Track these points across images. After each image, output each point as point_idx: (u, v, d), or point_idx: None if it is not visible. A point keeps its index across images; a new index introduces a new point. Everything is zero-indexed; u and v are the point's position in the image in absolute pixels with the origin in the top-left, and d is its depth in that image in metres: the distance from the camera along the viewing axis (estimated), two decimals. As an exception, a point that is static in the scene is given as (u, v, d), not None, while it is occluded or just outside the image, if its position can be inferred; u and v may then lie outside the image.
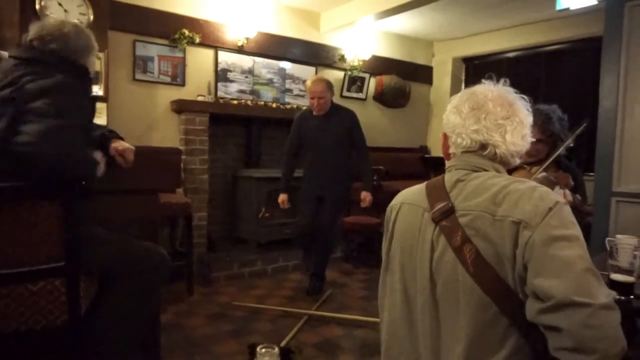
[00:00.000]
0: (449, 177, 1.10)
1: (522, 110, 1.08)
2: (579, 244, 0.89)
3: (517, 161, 1.12)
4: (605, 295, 0.84)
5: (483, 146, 1.07)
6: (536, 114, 2.08)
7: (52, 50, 1.63)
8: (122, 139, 1.94)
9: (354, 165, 3.56)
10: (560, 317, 0.82)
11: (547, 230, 0.88)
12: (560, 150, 2.04)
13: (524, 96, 1.11)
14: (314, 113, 3.40)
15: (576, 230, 0.91)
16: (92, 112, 1.76)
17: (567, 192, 1.87)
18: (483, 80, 1.13)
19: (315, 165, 3.47)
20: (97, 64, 1.87)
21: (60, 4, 3.16)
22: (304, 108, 4.15)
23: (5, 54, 2.99)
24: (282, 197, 3.58)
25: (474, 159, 1.08)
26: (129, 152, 1.84)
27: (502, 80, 1.12)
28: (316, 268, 3.54)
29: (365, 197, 3.48)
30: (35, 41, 1.64)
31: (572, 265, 0.85)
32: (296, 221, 3.74)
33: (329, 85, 3.36)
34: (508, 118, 1.05)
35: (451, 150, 1.14)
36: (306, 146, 3.51)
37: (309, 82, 3.42)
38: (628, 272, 1.37)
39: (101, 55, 3.29)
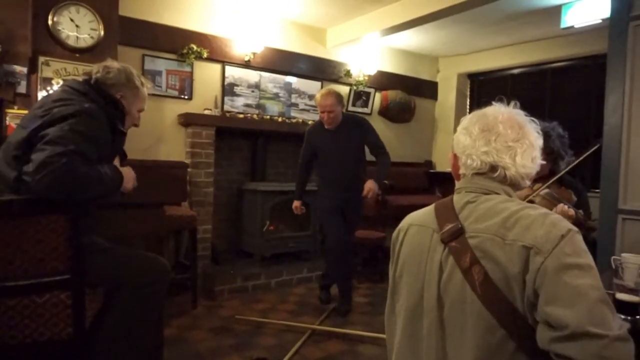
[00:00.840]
0: (458, 199, 1.09)
1: (532, 133, 1.08)
2: (592, 274, 0.88)
3: (527, 183, 1.11)
4: (619, 327, 0.83)
5: (493, 168, 1.06)
6: None
7: (96, 80, 1.79)
8: (125, 155, 1.99)
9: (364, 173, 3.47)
10: (574, 347, 0.81)
11: (560, 258, 0.87)
12: (566, 169, 2.04)
13: (534, 119, 1.11)
14: (325, 127, 3.34)
15: (589, 259, 0.90)
16: (116, 143, 1.81)
17: (568, 207, 1.87)
18: (493, 102, 1.14)
19: (332, 180, 3.39)
20: (144, 101, 1.98)
21: (72, 20, 3.23)
22: (310, 122, 4.19)
23: (18, 68, 3.07)
24: (297, 203, 3.54)
25: (484, 181, 1.08)
26: None
27: (512, 103, 1.13)
28: (345, 288, 3.43)
29: (369, 184, 3.25)
30: (88, 75, 1.83)
31: (586, 295, 0.84)
32: (321, 239, 3.56)
33: (338, 98, 3.28)
34: (518, 140, 1.05)
35: (461, 171, 1.13)
36: (321, 161, 3.45)
37: (318, 96, 3.34)
38: (634, 291, 1.36)
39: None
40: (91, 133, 1.60)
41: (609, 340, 0.80)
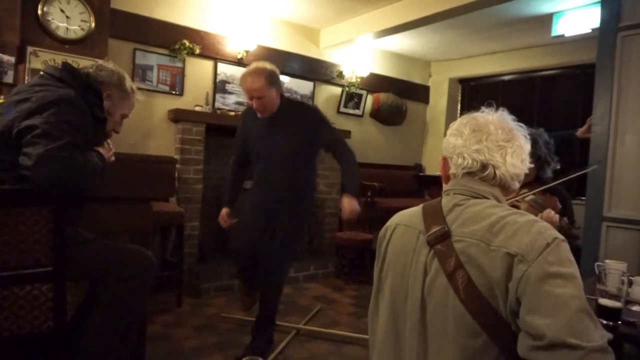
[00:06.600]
0: (446, 201, 1.09)
1: (521, 137, 1.10)
2: (575, 283, 0.87)
3: (517, 185, 1.11)
4: (599, 337, 0.82)
5: (484, 167, 1.06)
6: None
7: (86, 74, 1.78)
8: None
9: (314, 178, 2.73)
10: (551, 357, 0.81)
11: (543, 266, 0.86)
12: (557, 182, 2.06)
13: (521, 124, 1.13)
14: (258, 115, 2.48)
15: (573, 269, 0.89)
16: (95, 132, 1.78)
17: (554, 214, 1.88)
18: (482, 108, 1.15)
19: (261, 183, 2.57)
20: (130, 108, 1.96)
21: (62, 11, 3.19)
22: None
23: (6, 57, 3.02)
24: (223, 212, 2.69)
25: (474, 184, 1.08)
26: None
27: (500, 109, 1.15)
28: (263, 313, 2.56)
29: (347, 204, 2.42)
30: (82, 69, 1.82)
31: (566, 305, 0.83)
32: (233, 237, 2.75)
33: (270, 78, 2.40)
34: (509, 141, 1.07)
35: (452, 171, 1.13)
36: (252, 157, 2.63)
37: (243, 75, 2.45)
38: (616, 297, 1.38)
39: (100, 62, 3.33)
40: (76, 122, 1.59)
41: (586, 352, 0.79)
